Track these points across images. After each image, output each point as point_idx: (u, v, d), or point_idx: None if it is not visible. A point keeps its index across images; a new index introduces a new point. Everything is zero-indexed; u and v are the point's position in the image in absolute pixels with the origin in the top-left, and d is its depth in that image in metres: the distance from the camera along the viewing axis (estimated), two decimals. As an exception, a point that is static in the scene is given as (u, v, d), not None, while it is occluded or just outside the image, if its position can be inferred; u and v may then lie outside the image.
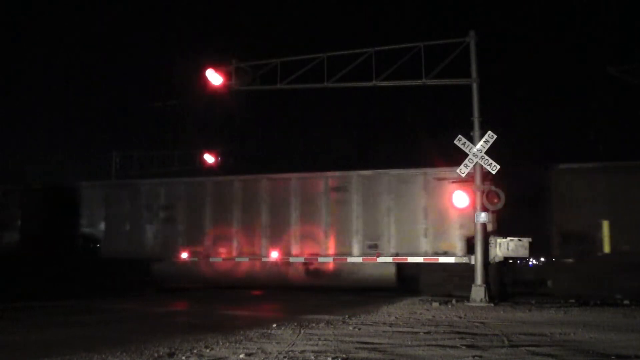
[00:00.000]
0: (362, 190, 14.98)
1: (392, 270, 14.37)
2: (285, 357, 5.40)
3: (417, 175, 14.69)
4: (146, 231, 16.85)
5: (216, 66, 13.91)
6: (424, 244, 14.30)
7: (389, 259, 14.41)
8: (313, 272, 15.14)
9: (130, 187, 17.73)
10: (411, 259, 14.34)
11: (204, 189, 16.49)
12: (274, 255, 15.28)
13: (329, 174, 15.46)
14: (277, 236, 15.42)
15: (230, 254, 15.84)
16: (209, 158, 25.38)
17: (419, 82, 12.95)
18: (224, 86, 14.00)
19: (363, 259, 14.63)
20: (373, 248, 14.61)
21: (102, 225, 17.31)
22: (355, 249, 14.78)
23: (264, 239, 15.56)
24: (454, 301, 11.82)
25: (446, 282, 14.21)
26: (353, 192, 14.98)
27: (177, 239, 16.40)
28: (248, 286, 15.76)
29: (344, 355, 5.44)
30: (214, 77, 13.88)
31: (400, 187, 14.72)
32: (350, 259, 14.77)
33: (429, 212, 14.37)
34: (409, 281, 14.53)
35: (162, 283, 16.10)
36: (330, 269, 15.02)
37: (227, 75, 13.91)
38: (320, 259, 14.99)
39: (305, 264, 15.16)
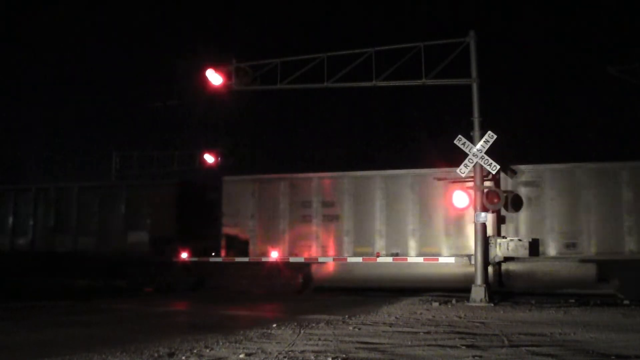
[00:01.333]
0: (557, 185, 13.80)
1: (593, 270, 13.24)
2: (285, 357, 5.40)
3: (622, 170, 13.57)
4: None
5: (216, 66, 13.91)
6: (629, 242, 13.10)
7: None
8: (505, 274, 13.77)
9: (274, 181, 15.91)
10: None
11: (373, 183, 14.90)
12: None
13: (523, 167, 14.03)
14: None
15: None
16: (209, 158, 25.38)
17: (419, 82, 12.94)
18: (224, 86, 13.99)
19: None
20: (571, 247, 13.45)
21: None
22: (551, 248, 13.52)
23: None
24: (454, 301, 11.82)
25: None
26: (547, 188, 13.82)
27: (343, 238, 14.72)
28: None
29: (344, 355, 5.44)
30: (214, 77, 13.87)
31: (600, 181, 13.57)
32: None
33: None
34: (611, 281, 13.35)
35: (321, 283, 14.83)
36: (523, 270, 13.77)
37: (227, 75, 13.91)
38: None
39: (498, 264, 13.75)
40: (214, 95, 14.63)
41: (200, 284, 15.67)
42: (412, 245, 14.12)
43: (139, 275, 16.09)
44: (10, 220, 17.67)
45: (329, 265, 14.66)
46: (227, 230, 15.53)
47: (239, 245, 15.33)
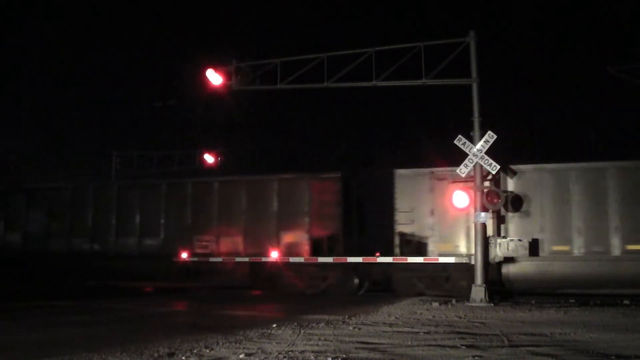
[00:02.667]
0: None
1: None
2: (285, 357, 5.40)
3: None
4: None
5: (216, 66, 13.91)
6: None
7: None
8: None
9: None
10: None
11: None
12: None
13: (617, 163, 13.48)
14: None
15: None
16: (209, 158, 25.38)
17: (419, 82, 12.94)
18: (224, 86, 14.00)
19: None
20: None
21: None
22: None
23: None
24: (454, 301, 11.82)
25: None
26: None
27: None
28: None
29: (344, 355, 5.44)
30: (214, 77, 13.88)
31: None
32: None
33: None
34: None
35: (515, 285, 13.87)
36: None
37: (227, 75, 13.91)
38: None
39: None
40: (214, 95, 14.64)
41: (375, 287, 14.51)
42: (615, 242, 12.98)
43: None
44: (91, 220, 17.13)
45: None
46: (402, 228, 14.32)
47: (415, 244, 14.20)
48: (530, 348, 5.85)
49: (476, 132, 12.31)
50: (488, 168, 12.15)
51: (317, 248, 14.69)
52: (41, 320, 8.87)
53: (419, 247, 14.14)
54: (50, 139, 30.94)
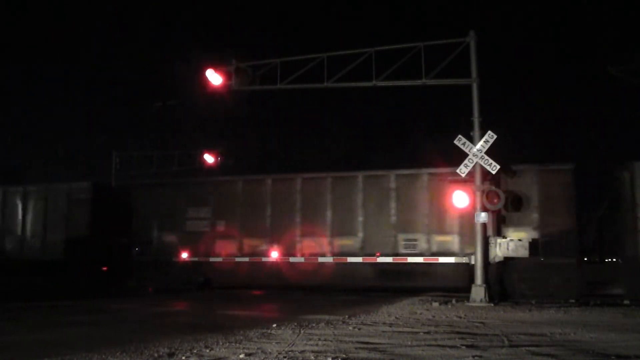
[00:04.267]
0: None
1: None
2: (285, 357, 5.40)
3: None
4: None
5: (216, 66, 13.90)
6: None
7: None
8: None
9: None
10: None
11: None
12: None
13: None
14: None
15: None
16: (209, 158, 25.39)
17: (418, 82, 12.95)
18: (224, 86, 13.99)
19: None
20: None
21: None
22: None
23: None
24: (454, 301, 11.82)
25: None
26: None
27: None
28: None
29: (344, 355, 5.44)
30: (214, 77, 13.88)
31: None
32: None
33: None
34: None
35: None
36: None
37: (227, 75, 13.91)
38: None
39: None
40: (214, 95, 14.63)
41: None
42: None
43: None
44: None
45: None
46: None
47: None
48: (530, 348, 5.84)
49: (476, 132, 12.32)
50: (488, 168, 12.15)
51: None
52: (41, 320, 8.87)
53: None
54: (50, 139, 30.98)
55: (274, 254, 15.75)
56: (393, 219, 15.03)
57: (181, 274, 16.68)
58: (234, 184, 16.96)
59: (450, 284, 14.29)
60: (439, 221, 14.56)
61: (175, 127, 29.84)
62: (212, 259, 16.51)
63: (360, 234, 15.23)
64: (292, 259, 15.47)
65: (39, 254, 17.01)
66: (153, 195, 17.90)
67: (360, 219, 15.31)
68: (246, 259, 16.10)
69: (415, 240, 14.73)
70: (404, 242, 14.81)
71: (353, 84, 13.71)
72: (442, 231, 14.53)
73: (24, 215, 17.60)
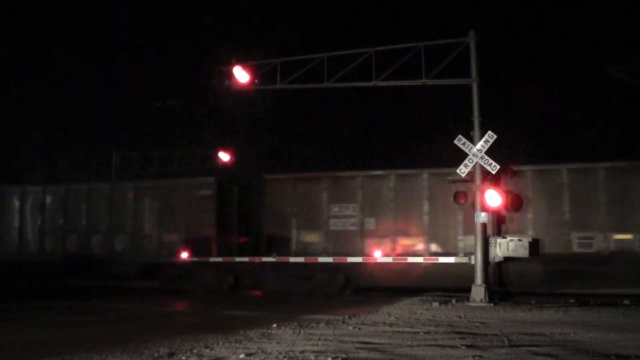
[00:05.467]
0: None
1: None
2: (285, 357, 5.40)
3: None
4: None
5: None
6: None
7: None
8: None
9: None
10: None
11: None
12: None
13: None
14: None
15: None
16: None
17: (418, 82, 12.94)
18: (224, 86, 13.98)
19: None
20: None
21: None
22: None
23: None
24: (454, 301, 11.82)
25: None
26: None
27: None
28: None
29: (344, 355, 5.44)
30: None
31: None
32: None
33: None
34: None
35: None
36: None
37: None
38: None
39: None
40: (214, 95, 14.62)
41: None
42: None
43: None
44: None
45: None
46: None
47: None
48: (530, 348, 5.84)
49: (476, 132, 12.31)
50: (488, 168, 12.14)
51: None
52: (41, 320, 8.88)
53: None
54: (50, 139, 30.98)
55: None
56: (566, 216, 13.86)
57: (322, 276, 14.96)
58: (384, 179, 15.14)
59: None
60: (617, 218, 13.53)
61: (175, 127, 29.83)
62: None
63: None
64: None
65: (154, 256, 16.02)
66: (291, 189, 15.83)
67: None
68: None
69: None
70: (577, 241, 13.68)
71: (353, 84, 13.70)
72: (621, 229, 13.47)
73: (135, 213, 16.58)
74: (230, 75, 13.72)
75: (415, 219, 14.75)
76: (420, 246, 14.67)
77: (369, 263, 14.54)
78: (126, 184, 17.82)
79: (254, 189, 16.75)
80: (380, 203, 15.06)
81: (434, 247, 14.54)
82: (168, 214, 16.39)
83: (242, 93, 14.46)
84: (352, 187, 15.31)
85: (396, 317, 8.87)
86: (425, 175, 14.84)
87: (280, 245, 15.35)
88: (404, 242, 14.77)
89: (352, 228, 15.11)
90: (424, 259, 14.15)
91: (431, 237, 14.60)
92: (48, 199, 17.74)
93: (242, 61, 13.73)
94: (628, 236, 13.36)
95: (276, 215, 15.64)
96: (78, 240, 17.12)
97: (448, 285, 13.83)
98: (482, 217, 12.18)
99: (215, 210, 15.77)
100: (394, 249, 14.73)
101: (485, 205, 12.21)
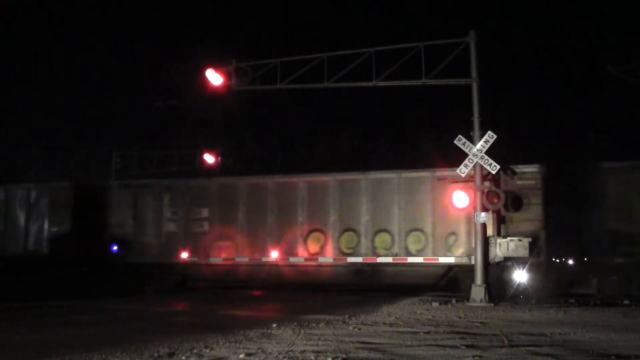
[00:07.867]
0: None
1: None
2: (285, 357, 5.40)
3: None
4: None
5: (216, 66, 13.88)
6: None
7: None
8: None
9: None
10: None
11: None
12: None
13: None
14: None
15: None
16: (209, 158, 25.35)
17: (418, 82, 12.94)
18: (224, 86, 13.98)
19: None
20: None
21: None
22: None
23: None
24: (454, 301, 11.82)
25: None
26: None
27: None
28: None
29: (344, 355, 5.44)
30: (214, 77, 13.84)
31: None
32: None
33: None
34: None
35: None
36: None
37: (227, 75, 13.89)
38: None
39: None
40: (214, 95, 14.61)
41: None
42: None
43: None
44: None
45: None
46: None
47: None
48: (530, 348, 5.84)
49: (476, 132, 12.31)
50: (488, 168, 12.15)
51: None
52: (41, 320, 8.87)
53: None
54: (50, 139, 30.97)
55: None
56: None
57: None
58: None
59: None
60: None
61: (175, 127, 29.85)
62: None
63: None
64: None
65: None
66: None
67: None
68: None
69: None
70: None
71: (353, 84, 13.70)
72: None
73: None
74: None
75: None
76: None
77: None
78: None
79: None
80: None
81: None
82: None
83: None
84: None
85: (396, 317, 8.87)
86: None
87: None
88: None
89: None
90: (424, 259, 14.14)
91: None
92: None
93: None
94: None
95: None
96: None
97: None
98: (482, 217, 12.18)
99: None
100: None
101: (481, 205, 12.23)
